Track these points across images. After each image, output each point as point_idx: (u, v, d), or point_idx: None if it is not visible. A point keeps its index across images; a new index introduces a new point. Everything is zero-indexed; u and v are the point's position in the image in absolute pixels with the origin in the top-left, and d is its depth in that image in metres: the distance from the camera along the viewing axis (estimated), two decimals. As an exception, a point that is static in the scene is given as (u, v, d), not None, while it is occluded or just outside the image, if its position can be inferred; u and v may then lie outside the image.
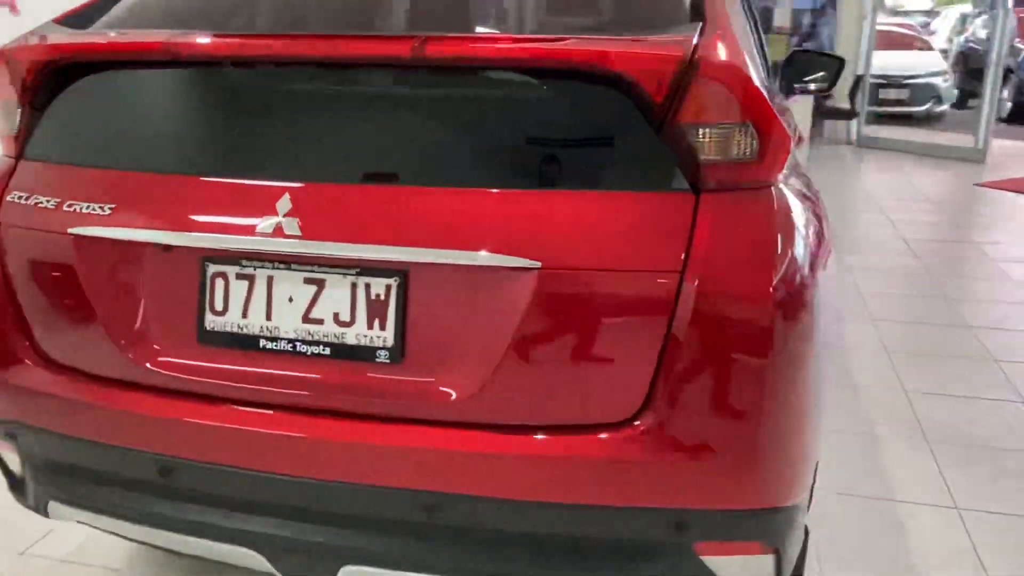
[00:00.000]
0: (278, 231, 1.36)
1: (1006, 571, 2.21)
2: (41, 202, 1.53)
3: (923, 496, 2.56)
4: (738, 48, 1.36)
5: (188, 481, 1.52)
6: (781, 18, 9.63)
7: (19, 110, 1.58)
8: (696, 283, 1.27)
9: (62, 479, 1.66)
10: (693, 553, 1.41)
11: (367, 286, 1.39)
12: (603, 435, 1.34)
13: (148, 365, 1.50)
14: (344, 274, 1.39)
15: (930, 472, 2.68)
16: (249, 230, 1.38)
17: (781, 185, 1.43)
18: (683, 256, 1.28)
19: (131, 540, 1.75)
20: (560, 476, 1.35)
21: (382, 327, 1.39)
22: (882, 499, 2.53)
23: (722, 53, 1.31)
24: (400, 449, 1.38)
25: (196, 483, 1.51)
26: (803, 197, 1.57)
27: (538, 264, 1.29)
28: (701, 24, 1.37)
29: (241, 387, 1.46)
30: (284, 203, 1.37)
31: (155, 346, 1.51)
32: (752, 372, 1.29)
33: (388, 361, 1.39)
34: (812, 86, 3.51)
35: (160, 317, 1.50)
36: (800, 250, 1.37)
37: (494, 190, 1.33)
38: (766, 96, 1.35)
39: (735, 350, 1.29)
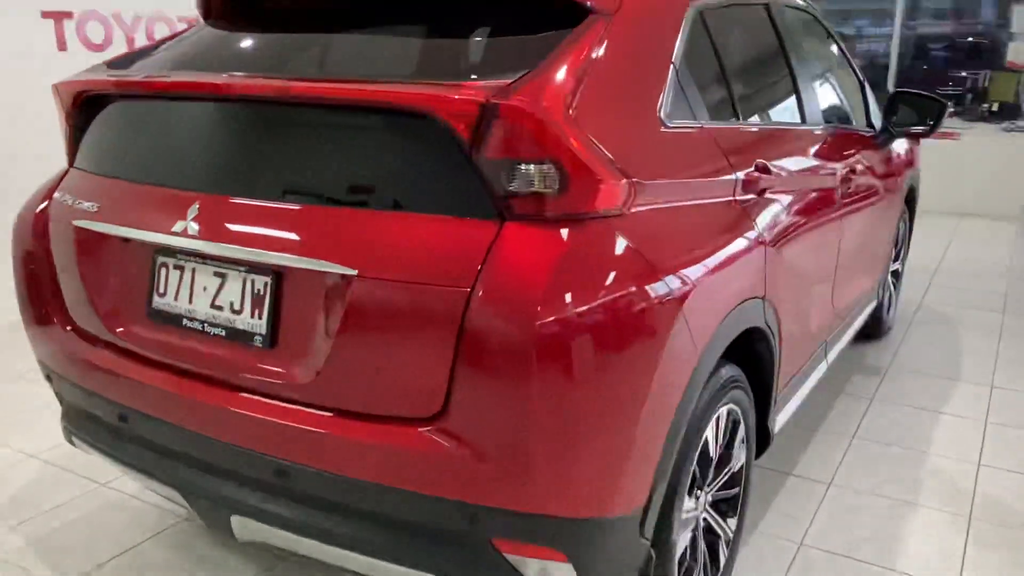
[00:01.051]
0: (184, 232, 1.70)
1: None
2: (67, 200, 2.00)
3: (928, 572, 2.38)
4: (556, 93, 1.49)
5: (136, 428, 1.89)
6: (1015, 54, 8.76)
7: (66, 130, 2.07)
8: (480, 301, 1.43)
9: (76, 417, 2.12)
10: (494, 548, 1.55)
11: (252, 282, 1.68)
12: (409, 428, 1.52)
13: (116, 331, 1.91)
14: (238, 271, 1.70)
15: (953, 549, 2.48)
16: (169, 229, 1.73)
17: (615, 218, 1.54)
18: (475, 277, 1.44)
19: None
20: (373, 459, 1.55)
21: (259, 317, 1.67)
22: (878, 566, 2.39)
23: (528, 97, 1.45)
24: (260, 420, 1.65)
25: (141, 431, 1.89)
26: (660, 235, 1.65)
27: (355, 272, 1.52)
28: (527, 71, 1.52)
29: (168, 356, 1.81)
30: (193, 210, 1.71)
31: (119, 317, 1.91)
32: (523, 388, 1.41)
33: (261, 346, 1.68)
34: (912, 129, 3.34)
35: (123, 295, 1.90)
36: (602, 281, 1.47)
37: (331, 208, 1.58)
38: (574, 135, 1.47)
39: (510, 366, 1.42)
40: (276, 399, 1.65)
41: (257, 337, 1.68)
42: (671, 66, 1.86)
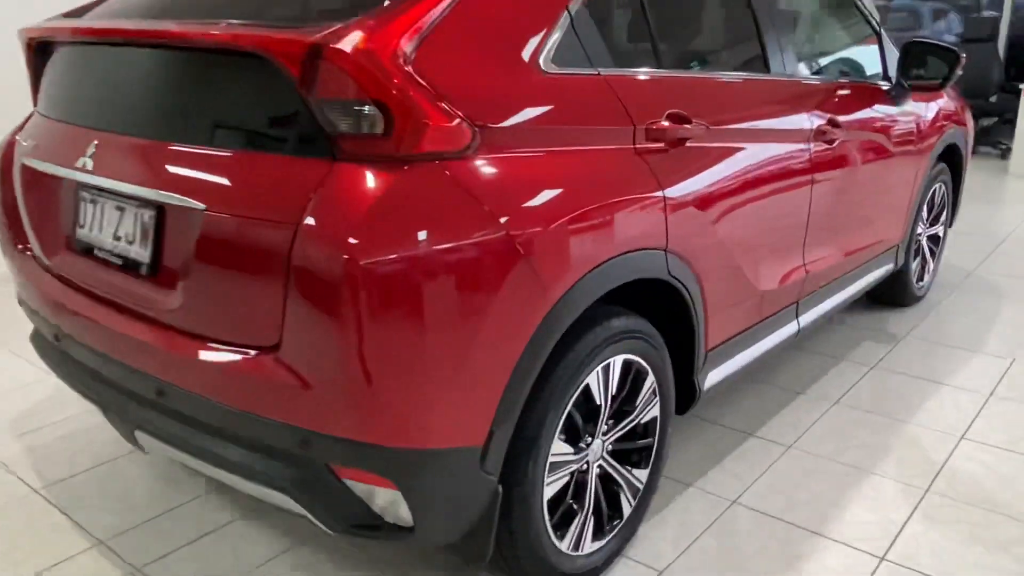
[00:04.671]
0: (83, 167, 1.85)
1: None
2: (22, 140, 2.19)
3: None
4: (386, 36, 1.52)
5: (66, 347, 2.08)
6: None
7: (29, 74, 2.26)
8: (302, 238, 1.50)
9: (34, 334, 2.34)
10: (333, 473, 1.64)
11: (141, 215, 1.81)
12: (253, 356, 1.62)
13: (51, 258, 2.10)
14: (132, 205, 1.83)
15: (893, 521, 2.39)
16: (73, 165, 1.88)
17: (454, 162, 1.57)
18: (301, 215, 1.51)
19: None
20: (223, 383, 1.67)
21: (145, 248, 1.81)
22: (805, 529, 2.34)
23: (352, 39, 1.50)
24: (143, 342, 1.80)
25: (68, 349, 2.08)
26: (517, 179, 1.66)
27: (203, 207, 1.62)
28: (362, 12, 1.55)
29: (85, 282, 1.98)
30: (91, 147, 1.85)
31: (53, 245, 2.09)
32: (337, 323, 1.48)
33: (146, 274, 1.81)
34: (924, 82, 3.17)
35: (56, 226, 2.08)
36: (429, 222, 1.51)
37: (188, 146, 1.68)
38: (399, 78, 1.50)
39: (325, 302, 1.49)
40: (154, 323, 1.79)
41: (143, 266, 1.81)
42: (564, 11, 1.85)
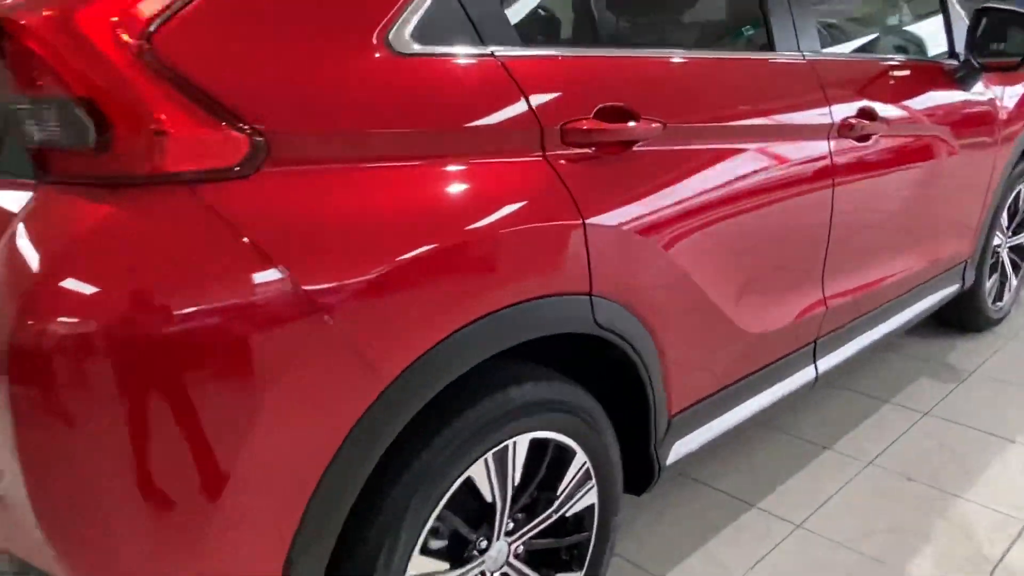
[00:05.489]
0: None
1: None
2: None
3: (776, 505, 1.84)
4: (107, 3, 1.04)
5: None
6: None
7: None
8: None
9: None
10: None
11: None
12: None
13: None
14: None
15: (824, 489, 1.80)
16: None
17: (222, 184, 1.08)
18: (-16, 258, 1.06)
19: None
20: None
21: None
22: (728, 495, 1.78)
23: (54, 7, 1.02)
24: None
25: None
26: (328, 207, 1.17)
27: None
28: None
29: None
30: None
31: None
32: (17, 418, 1.02)
33: None
34: (996, 61, 2.51)
35: None
36: (161, 273, 1.03)
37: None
38: (122, 63, 1.02)
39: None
40: None
41: None
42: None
